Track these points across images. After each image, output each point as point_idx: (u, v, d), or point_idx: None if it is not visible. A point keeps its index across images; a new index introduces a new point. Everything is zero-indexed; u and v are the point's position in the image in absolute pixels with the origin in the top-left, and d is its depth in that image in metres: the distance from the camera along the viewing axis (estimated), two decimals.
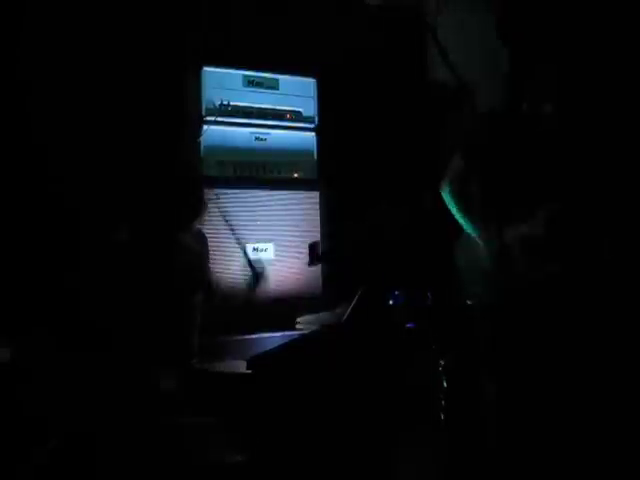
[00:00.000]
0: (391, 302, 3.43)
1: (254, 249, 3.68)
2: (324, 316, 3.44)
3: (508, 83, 3.13)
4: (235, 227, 3.61)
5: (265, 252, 3.72)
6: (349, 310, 3.17)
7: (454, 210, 2.88)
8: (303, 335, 3.32)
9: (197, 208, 3.21)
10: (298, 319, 3.51)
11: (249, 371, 2.97)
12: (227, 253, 3.61)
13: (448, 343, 3.12)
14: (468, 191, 2.89)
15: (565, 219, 2.73)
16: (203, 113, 3.65)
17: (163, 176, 3.45)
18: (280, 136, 3.86)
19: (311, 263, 3.71)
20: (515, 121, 2.85)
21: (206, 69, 3.68)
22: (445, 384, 2.97)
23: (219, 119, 3.68)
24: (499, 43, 3.46)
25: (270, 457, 2.70)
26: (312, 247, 3.71)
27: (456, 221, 2.88)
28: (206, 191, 3.53)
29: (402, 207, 3.63)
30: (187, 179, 3.54)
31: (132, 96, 3.58)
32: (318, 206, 3.87)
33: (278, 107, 3.85)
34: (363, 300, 3.23)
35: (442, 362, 3.02)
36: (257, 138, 3.80)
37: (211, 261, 3.46)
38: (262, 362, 2.97)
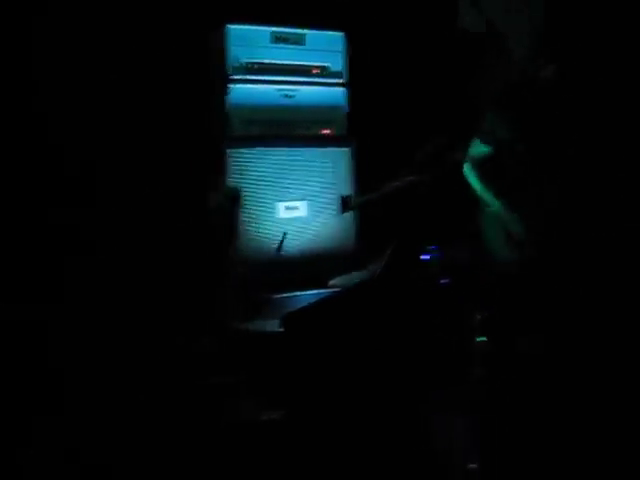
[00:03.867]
0: (426, 257, 3.39)
1: (286, 207, 3.65)
2: (356, 276, 3.41)
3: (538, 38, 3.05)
4: (266, 186, 3.59)
5: (297, 210, 3.68)
6: (381, 266, 3.13)
7: (477, 186, 2.93)
8: (335, 292, 3.30)
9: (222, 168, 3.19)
10: (330, 281, 3.48)
11: (282, 329, 2.96)
12: (259, 212, 3.58)
13: (484, 299, 3.08)
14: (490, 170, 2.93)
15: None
16: (229, 71, 3.59)
17: (189, 137, 3.44)
18: (308, 92, 3.79)
19: (343, 211, 3.67)
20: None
21: (231, 27, 3.61)
22: (481, 339, 2.94)
23: (245, 77, 3.62)
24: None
25: (305, 415, 2.71)
26: (344, 198, 3.67)
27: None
28: (235, 150, 3.53)
29: (436, 162, 3.56)
30: (212, 138, 3.53)
31: (157, 56, 3.55)
32: (350, 162, 3.81)
33: (306, 63, 3.78)
34: (395, 256, 3.18)
35: (478, 317, 2.99)
36: (285, 95, 3.74)
37: (242, 220, 3.46)
38: (295, 320, 2.96)
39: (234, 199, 3.32)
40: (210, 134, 3.60)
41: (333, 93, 3.85)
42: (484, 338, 2.83)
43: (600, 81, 2.96)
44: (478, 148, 3.05)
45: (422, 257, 3.38)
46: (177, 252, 3.36)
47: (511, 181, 2.98)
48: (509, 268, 3.01)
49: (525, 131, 2.93)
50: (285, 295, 3.44)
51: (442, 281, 3.28)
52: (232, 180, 3.50)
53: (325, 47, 3.83)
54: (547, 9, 3.10)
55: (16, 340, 2.79)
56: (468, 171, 3.08)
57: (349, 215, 3.76)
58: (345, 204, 3.65)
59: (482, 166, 3.03)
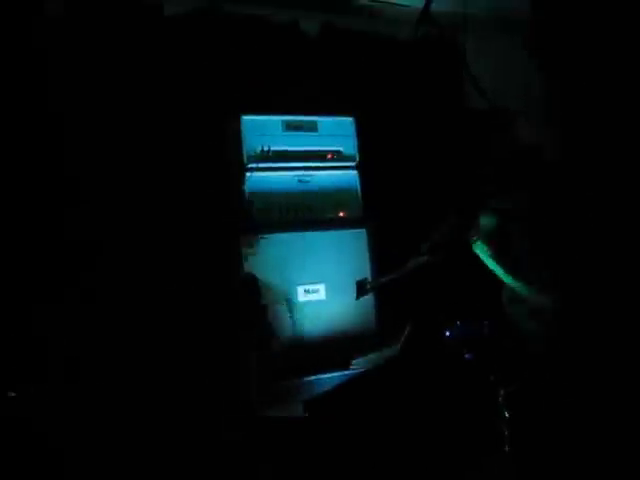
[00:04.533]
0: (448, 333, 3.38)
1: (305, 291, 3.67)
2: (377, 357, 3.40)
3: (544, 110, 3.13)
4: (285, 270, 3.63)
5: (317, 293, 3.70)
6: (400, 347, 3.12)
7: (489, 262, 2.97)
8: (358, 374, 3.28)
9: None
10: (352, 361, 3.47)
11: (306, 414, 2.94)
12: (278, 297, 3.60)
13: (508, 372, 3.05)
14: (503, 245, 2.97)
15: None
16: (245, 160, 3.69)
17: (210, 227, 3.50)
18: (323, 177, 3.88)
19: (358, 296, 3.67)
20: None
21: (245, 117, 3.72)
22: (507, 414, 2.90)
23: (261, 165, 3.72)
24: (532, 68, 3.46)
25: None
26: (359, 283, 3.68)
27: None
28: (254, 236, 3.59)
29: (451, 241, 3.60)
30: (236, 226, 3.59)
31: (175, 148, 3.65)
32: (366, 243, 3.85)
33: (319, 148, 3.88)
34: (415, 334, 3.18)
35: (502, 392, 2.95)
36: (300, 180, 3.82)
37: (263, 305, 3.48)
38: (319, 404, 2.94)
39: (251, 286, 3.35)
40: (230, 222, 3.66)
41: (346, 176, 3.93)
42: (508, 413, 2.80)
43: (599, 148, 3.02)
44: (485, 220, 3.09)
45: (445, 334, 3.37)
46: (204, 339, 3.38)
47: (520, 253, 3.02)
48: (535, 341, 3.00)
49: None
50: (307, 379, 3.42)
51: (466, 356, 3.26)
52: (250, 266, 3.55)
53: (337, 132, 3.93)
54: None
55: None
56: (479, 247, 3.11)
57: (368, 296, 3.76)
58: (360, 288, 3.65)
59: (491, 240, 3.06)
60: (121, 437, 2.81)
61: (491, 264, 3.09)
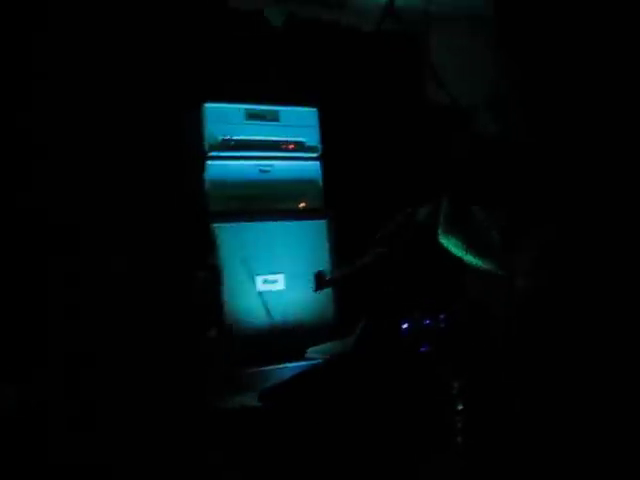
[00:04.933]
0: (404, 326, 3.40)
1: (264, 281, 3.67)
2: (333, 345, 3.41)
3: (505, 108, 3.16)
4: (244, 260, 3.61)
5: (276, 283, 3.70)
6: (355, 338, 3.14)
7: (457, 250, 2.97)
8: (312, 365, 3.29)
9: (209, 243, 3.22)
10: (308, 350, 3.48)
11: (261, 404, 2.94)
12: (237, 287, 3.60)
13: (462, 365, 3.08)
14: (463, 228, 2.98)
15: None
16: (206, 149, 3.67)
17: (168, 214, 3.48)
18: (284, 167, 3.87)
19: (317, 289, 3.67)
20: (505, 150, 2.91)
21: (207, 105, 3.70)
22: (460, 407, 2.93)
23: (222, 154, 3.70)
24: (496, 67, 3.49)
25: None
26: (317, 275, 3.69)
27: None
28: (213, 226, 3.57)
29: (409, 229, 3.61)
30: (196, 215, 3.57)
31: (135, 135, 3.62)
32: (326, 234, 3.86)
33: (281, 138, 3.87)
34: (370, 327, 3.19)
35: (456, 385, 2.98)
36: (262, 170, 3.81)
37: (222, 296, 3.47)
38: (273, 395, 2.95)
39: (214, 276, 3.34)
40: (189, 211, 3.64)
41: (308, 167, 3.92)
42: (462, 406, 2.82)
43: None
44: (447, 210, 3.10)
45: (401, 326, 3.39)
46: (159, 329, 3.35)
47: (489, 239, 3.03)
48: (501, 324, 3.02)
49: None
50: (264, 368, 3.42)
51: (422, 349, 3.28)
52: (211, 256, 3.53)
53: (299, 122, 3.92)
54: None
55: None
56: (443, 237, 3.11)
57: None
58: (319, 280, 3.66)
59: (455, 227, 3.07)
60: (72, 420, 2.78)
61: (458, 252, 3.08)
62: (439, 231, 3.12)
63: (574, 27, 3.26)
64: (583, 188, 2.94)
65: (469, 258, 3.07)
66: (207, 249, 3.52)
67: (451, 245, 3.11)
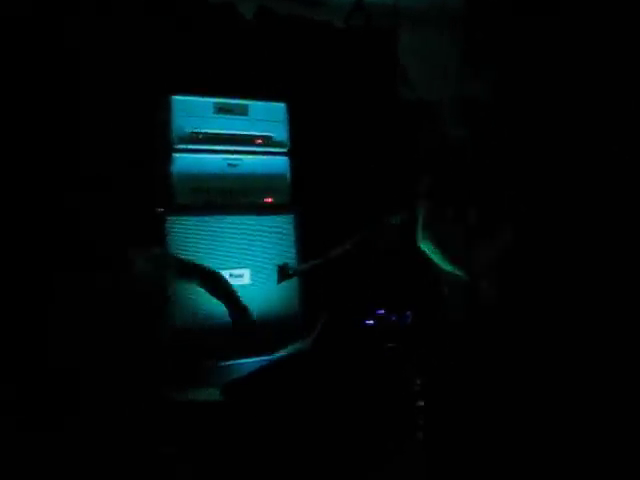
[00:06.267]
0: (370, 322, 3.41)
1: (230, 275, 3.66)
2: (302, 344, 3.41)
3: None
4: (210, 254, 3.60)
5: (241, 278, 3.69)
6: (315, 335, 3.14)
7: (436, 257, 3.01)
8: (273, 361, 3.29)
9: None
10: (275, 349, 3.47)
11: (223, 398, 2.93)
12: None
13: (425, 362, 3.10)
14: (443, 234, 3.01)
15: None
16: (174, 141, 3.64)
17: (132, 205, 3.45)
18: (252, 161, 3.85)
19: (279, 281, 3.68)
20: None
21: (175, 97, 3.67)
22: (422, 403, 2.95)
23: (190, 147, 3.68)
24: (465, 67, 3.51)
25: None
26: (280, 267, 3.69)
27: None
28: (178, 218, 3.55)
29: (377, 227, 3.62)
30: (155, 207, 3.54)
31: (102, 126, 3.58)
32: (292, 229, 3.85)
33: (249, 133, 3.85)
34: (331, 323, 3.20)
35: (418, 381, 3.01)
36: (229, 164, 3.80)
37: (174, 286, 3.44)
38: (236, 389, 2.94)
39: (162, 265, 3.30)
40: (154, 203, 3.61)
41: (276, 162, 3.91)
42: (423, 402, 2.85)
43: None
44: (420, 213, 3.13)
45: (367, 322, 3.41)
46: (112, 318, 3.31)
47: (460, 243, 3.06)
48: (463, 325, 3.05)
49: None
50: (228, 363, 3.42)
51: (386, 346, 3.30)
52: (175, 248, 3.51)
53: (268, 117, 3.90)
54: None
55: None
56: (421, 240, 3.14)
57: (293, 282, 3.77)
58: (282, 273, 3.67)
59: (431, 232, 3.10)
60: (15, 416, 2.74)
61: (434, 256, 3.11)
62: (418, 236, 3.15)
63: (543, 28, 3.29)
64: (543, 188, 2.97)
65: (444, 265, 3.11)
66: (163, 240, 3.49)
67: (429, 251, 3.13)
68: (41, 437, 2.66)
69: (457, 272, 3.09)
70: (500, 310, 2.89)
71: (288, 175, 3.93)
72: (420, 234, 3.14)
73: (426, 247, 3.13)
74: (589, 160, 3.07)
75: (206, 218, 3.65)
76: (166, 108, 3.66)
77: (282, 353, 3.44)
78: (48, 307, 2.92)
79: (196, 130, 3.70)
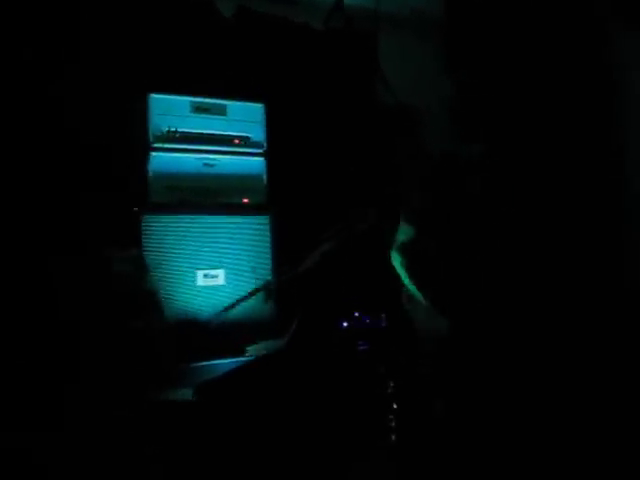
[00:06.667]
0: (345, 324, 3.42)
1: (204, 275, 3.65)
2: (274, 343, 3.41)
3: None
4: (184, 254, 3.59)
5: (216, 278, 3.68)
6: (289, 336, 3.15)
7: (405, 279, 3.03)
8: (246, 362, 3.28)
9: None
10: (247, 348, 3.47)
11: (196, 399, 2.92)
12: (177, 281, 3.57)
13: (398, 364, 3.12)
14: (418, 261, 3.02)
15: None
16: (150, 140, 3.62)
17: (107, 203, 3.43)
18: (229, 161, 3.84)
19: (267, 299, 3.68)
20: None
21: (152, 96, 3.65)
22: (395, 406, 2.96)
23: (167, 146, 3.66)
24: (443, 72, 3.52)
25: None
26: (266, 285, 3.69)
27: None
28: (152, 217, 3.54)
29: (352, 229, 3.63)
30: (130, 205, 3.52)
31: (78, 123, 3.55)
32: (268, 230, 3.85)
33: (226, 133, 3.84)
34: (305, 325, 3.21)
35: (391, 384, 3.02)
36: (206, 164, 3.78)
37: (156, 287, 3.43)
38: (208, 390, 2.93)
39: (141, 266, 3.29)
40: (130, 201, 3.59)
41: (253, 163, 3.90)
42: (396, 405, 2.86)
43: (526, 158, 3.09)
44: (404, 230, 3.13)
45: (341, 324, 3.42)
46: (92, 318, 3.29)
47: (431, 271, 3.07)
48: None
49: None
50: (202, 364, 3.40)
51: (360, 347, 3.32)
52: (149, 247, 3.50)
53: (246, 117, 3.89)
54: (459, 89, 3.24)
55: None
56: (395, 258, 3.14)
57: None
58: (268, 291, 3.66)
59: (406, 253, 3.10)
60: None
61: (404, 276, 3.12)
62: (392, 251, 3.16)
63: (525, 34, 3.31)
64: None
65: (409, 285, 3.12)
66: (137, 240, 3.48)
67: (397, 267, 3.14)
68: (22, 437, 2.64)
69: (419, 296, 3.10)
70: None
71: (265, 176, 3.92)
72: (395, 252, 3.15)
73: (396, 264, 3.14)
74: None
75: (182, 217, 3.63)
76: (143, 106, 3.64)
77: (257, 351, 3.45)
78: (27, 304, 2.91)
79: (173, 129, 3.68)
